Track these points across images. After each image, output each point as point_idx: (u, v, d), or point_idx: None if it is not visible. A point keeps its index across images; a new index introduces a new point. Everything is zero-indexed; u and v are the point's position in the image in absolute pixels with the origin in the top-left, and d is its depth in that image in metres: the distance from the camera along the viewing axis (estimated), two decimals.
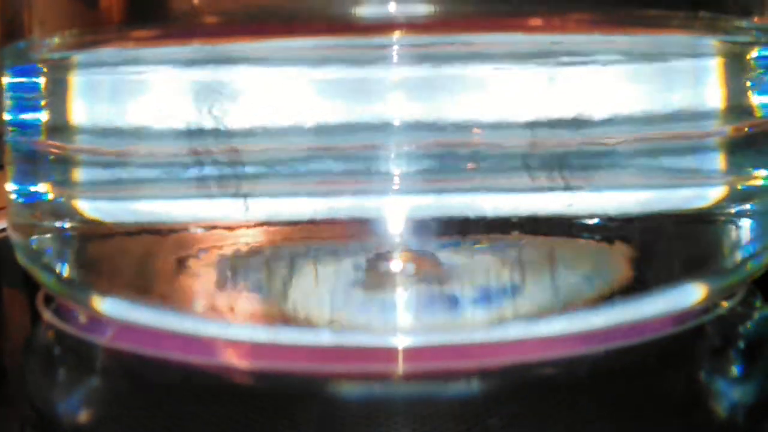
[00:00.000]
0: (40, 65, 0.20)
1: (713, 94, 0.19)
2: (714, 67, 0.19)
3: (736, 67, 0.19)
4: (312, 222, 0.18)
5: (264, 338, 0.17)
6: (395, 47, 0.16)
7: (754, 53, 0.20)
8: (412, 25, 0.16)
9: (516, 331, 0.17)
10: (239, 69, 0.18)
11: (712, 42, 0.19)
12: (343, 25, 0.16)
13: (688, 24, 0.18)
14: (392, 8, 0.16)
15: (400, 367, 0.17)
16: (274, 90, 0.18)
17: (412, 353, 0.17)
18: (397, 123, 0.17)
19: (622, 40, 0.18)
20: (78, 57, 0.19)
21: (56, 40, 0.19)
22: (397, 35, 0.16)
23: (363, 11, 0.16)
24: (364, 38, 0.17)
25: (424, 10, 0.16)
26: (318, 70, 0.17)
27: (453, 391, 0.16)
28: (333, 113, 0.17)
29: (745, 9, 0.19)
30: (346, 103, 0.17)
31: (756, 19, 0.19)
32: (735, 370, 0.17)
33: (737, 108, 0.19)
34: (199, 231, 0.19)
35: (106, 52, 0.19)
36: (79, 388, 0.17)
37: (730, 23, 0.19)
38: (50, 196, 0.20)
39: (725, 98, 0.19)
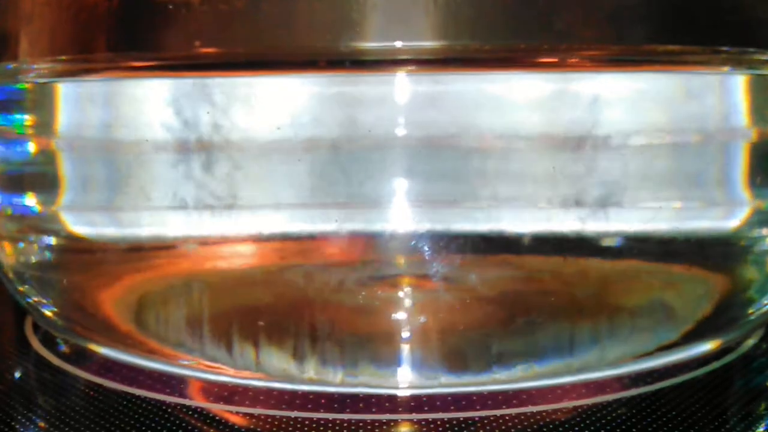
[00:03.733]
0: (28, 87, 0.20)
1: (734, 112, 0.19)
2: (737, 87, 0.19)
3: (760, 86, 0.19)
4: (311, 238, 0.18)
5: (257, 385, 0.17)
6: (399, 79, 0.16)
7: None
8: (418, 63, 0.16)
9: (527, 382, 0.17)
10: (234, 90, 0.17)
11: (737, 75, 0.18)
12: (342, 63, 0.16)
13: (711, 60, 0.18)
14: (398, 45, 0.15)
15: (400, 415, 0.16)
16: (267, 106, 0.17)
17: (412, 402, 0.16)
18: (399, 141, 0.17)
19: (639, 76, 0.17)
20: (67, 83, 0.19)
21: (45, 65, 0.19)
22: (401, 73, 0.16)
23: (364, 49, 0.16)
24: (365, 74, 0.16)
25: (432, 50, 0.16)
26: (315, 86, 0.17)
27: None
28: (332, 130, 0.17)
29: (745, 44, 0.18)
30: (346, 120, 0.17)
31: None
32: (756, 413, 0.17)
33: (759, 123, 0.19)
34: (189, 248, 0.18)
35: (95, 80, 0.18)
36: (56, 419, 0.16)
37: (755, 56, 0.18)
38: (36, 210, 0.20)
39: (748, 114, 0.19)
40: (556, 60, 0.16)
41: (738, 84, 0.18)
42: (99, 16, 0.17)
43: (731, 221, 0.19)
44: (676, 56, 0.17)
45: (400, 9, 0.15)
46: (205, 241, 0.18)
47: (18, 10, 0.19)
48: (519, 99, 0.17)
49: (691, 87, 0.18)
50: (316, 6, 0.16)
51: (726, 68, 0.18)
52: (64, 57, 0.18)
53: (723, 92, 0.18)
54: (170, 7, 0.16)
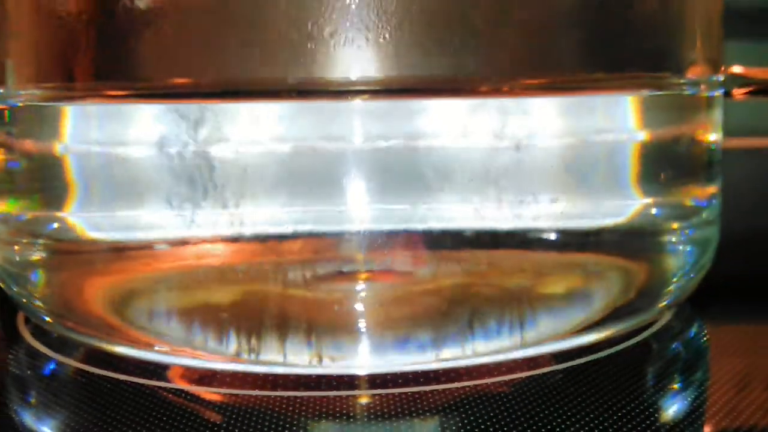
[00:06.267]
0: (16, 111, 0.21)
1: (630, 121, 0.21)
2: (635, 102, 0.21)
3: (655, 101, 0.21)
4: (281, 237, 0.19)
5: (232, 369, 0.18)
6: (354, 104, 0.18)
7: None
8: (371, 92, 0.18)
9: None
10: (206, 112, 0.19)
11: (647, 95, 0.21)
12: (310, 92, 0.18)
13: (631, 84, 0.20)
14: (353, 77, 0.17)
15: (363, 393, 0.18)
16: (239, 124, 0.19)
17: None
18: (357, 146, 0.18)
19: (561, 100, 0.19)
20: (54, 106, 0.20)
21: (31, 91, 0.20)
22: (357, 99, 0.18)
23: (328, 80, 0.17)
24: (328, 101, 0.18)
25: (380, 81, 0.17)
26: (281, 108, 0.19)
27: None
28: (297, 144, 0.19)
29: (678, 66, 0.21)
30: (313, 130, 0.19)
31: (687, 74, 0.21)
32: (671, 381, 0.19)
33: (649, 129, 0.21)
34: (168, 248, 0.20)
35: (80, 105, 0.20)
36: (50, 410, 0.18)
37: (665, 80, 0.21)
38: (25, 216, 0.21)
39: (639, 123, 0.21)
40: (490, 89, 0.18)
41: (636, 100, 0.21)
42: (77, 48, 0.19)
43: (629, 214, 0.21)
44: (602, 83, 0.19)
45: (356, 50, 0.17)
46: (182, 242, 0.19)
47: (4, 41, 0.20)
48: (459, 115, 0.19)
49: (599, 103, 0.20)
50: (280, 45, 0.17)
51: (644, 91, 0.20)
52: (46, 84, 0.20)
53: (622, 107, 0.20)
54: (143, 41, 0.18)
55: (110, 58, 0.19)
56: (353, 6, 0.17)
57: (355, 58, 0.17)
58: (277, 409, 0.17)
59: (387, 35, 0.17)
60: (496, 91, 0.18)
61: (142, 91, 0.19)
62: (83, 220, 0.20)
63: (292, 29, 0.17)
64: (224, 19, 0.18)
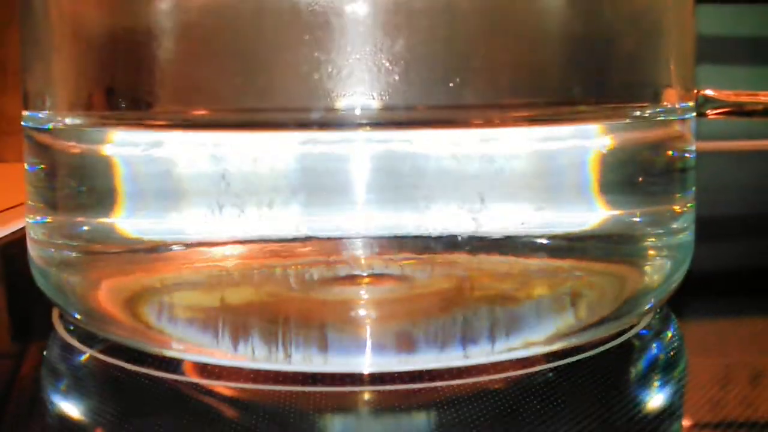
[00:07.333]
0: (54, 134, 0.23)
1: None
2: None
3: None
4: (286, 241, 0.20)
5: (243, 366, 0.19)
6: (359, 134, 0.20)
7: None
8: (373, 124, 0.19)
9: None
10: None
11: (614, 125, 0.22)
12: (326, 123, 0.20)
13: (607, 115, 0.21)
14: (362, 110, 0.19)
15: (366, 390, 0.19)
16: (256, 147, 0.21)
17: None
18: (363, 165, 0.20)
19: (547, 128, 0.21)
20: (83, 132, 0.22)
21: (64, 119, 0.22)
22: (359, 131, 0.20)
23: (342, 113, 0.19)
24: (341, 131, 0.20)
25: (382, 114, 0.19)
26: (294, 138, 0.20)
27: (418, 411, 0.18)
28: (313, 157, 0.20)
29: (655, 96, 0.22)
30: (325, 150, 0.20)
31: (663, 102, 0.23)
32: (653, 378, 0.20)
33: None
34: (182, 249, 0.21)
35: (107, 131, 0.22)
36: (79, 396, 0.19)
37: (643, 109, 0.22)
38: (61, 216, 0.23)
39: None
40: (483, 122, 0.20)
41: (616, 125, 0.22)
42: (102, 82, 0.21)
43: (612, 223, 0.22)
44: (584, 114, 0.21)
45: (367, 88, 0.19)
46: (197, 243, 0.21)
47: (42, 73, 0.22)
48: (452, 140, 0.20)
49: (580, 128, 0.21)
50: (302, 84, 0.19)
51: (624, 120, 0.22)
52: (79, 113, 0.22)
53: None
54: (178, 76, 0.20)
55: (146, 90, 0.21)
56: (366, 51, 0.19)
57: (365, 94, 0.19)
58: (284, 402, 0.18)
59: (396, 77, 0.19)
60: (487, 123, 0.20)
61: (174, 121, 0.21)
62: (109, 225, 0.22)
63: (314, 71, 0.19)
64: (252, 63, 0.20)
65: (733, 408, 0.17)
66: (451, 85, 0.19)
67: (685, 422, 0.17)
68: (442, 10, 0.19)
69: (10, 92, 0.61)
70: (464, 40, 0.20)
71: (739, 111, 0.28)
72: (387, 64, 0.19)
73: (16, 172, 0.28)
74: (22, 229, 0.26)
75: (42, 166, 0.23)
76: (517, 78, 0.20)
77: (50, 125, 0.22)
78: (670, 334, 0.22)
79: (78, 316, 0.22)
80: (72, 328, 0.23)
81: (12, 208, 0.42)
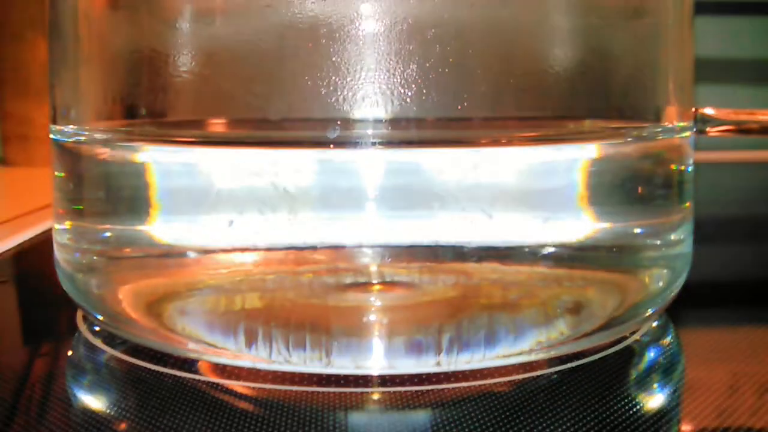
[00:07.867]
0: (80, 146, 0.24)
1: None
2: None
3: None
4: (301, 249, 0.21)
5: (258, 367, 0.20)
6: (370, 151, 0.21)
7: None
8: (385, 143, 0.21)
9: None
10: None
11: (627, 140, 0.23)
12: (344, 142, 0.21)
13: (610, 135, 0.22)
14: (370, 130, 0.21)
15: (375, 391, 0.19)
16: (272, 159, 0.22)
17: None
18: (376, 180, 0.21)
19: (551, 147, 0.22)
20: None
21: (89, 133, 0.23)
22: (372, 149, 0.21)
23: (357, 133, 0.21)
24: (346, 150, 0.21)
25: (394, 133, 0.21)
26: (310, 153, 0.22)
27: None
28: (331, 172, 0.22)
29: (656, 116, 0.23)
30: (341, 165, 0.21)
31: (664, 121, 0.24)
32: (653, 383, 0.20)
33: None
34: (198, 256, 0.22)
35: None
36: (101, 394, 0.20)
37: (644, 129, 0.23)
38: (86, 222, 0.23)
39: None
40: (490, 141, 0.21)
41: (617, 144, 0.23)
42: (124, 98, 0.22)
43: (614, 234, 0.23)
44: (588, 134, 0.22)
45: (381, 111, 0.20)
46: (216, 251, 0.22)
47: (70, 88, 0.23)
48: (459, 156, 0.21)
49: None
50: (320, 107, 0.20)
51: (626, 139, 0.23)
52: (105, 126, 0.23)
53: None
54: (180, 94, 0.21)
55: (168, 106, 0.22)
56: (380, 76, 0.20)
57: (379, 115, 0.20)
58: (297, 401, 0.19)
59: (408, 100, 0.20)
60: (493, 142, 0.21)
61: (196, 136, 0.22)
62: (132, 231, 0.23)
63: (331, 94, 0.20)
64: (273, 84, 0.21)
65: (731, 414, 0.18)
66: (459, 107, 0.20)
67: (684, 427, 0.18)
68: (452, 37, 0.20)
69: (36, 99, 0.63)
70: (472, 65, 0.21)
71: (738, 129, 0.29)
72: (400, 88, 0.20)
73: (43, 176, 0.29)
74: (50, 230, 0.27)
75: (68, 174, 0.24)
76: (521, 100, 0.21)
77: (77, 138, 0.23)
78: (668, 341, 0.23)
79: (101, 318, 0.23)
80: (96, 329, 0.23)
81: (39, 209, 0.43)
